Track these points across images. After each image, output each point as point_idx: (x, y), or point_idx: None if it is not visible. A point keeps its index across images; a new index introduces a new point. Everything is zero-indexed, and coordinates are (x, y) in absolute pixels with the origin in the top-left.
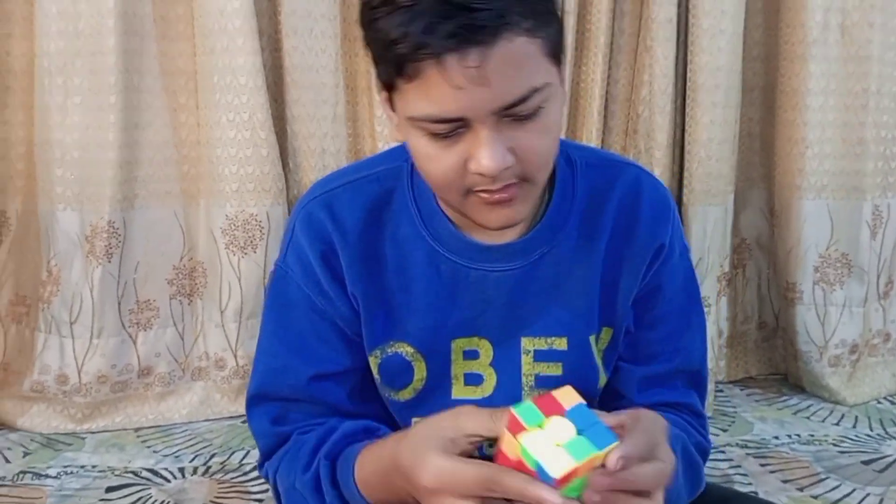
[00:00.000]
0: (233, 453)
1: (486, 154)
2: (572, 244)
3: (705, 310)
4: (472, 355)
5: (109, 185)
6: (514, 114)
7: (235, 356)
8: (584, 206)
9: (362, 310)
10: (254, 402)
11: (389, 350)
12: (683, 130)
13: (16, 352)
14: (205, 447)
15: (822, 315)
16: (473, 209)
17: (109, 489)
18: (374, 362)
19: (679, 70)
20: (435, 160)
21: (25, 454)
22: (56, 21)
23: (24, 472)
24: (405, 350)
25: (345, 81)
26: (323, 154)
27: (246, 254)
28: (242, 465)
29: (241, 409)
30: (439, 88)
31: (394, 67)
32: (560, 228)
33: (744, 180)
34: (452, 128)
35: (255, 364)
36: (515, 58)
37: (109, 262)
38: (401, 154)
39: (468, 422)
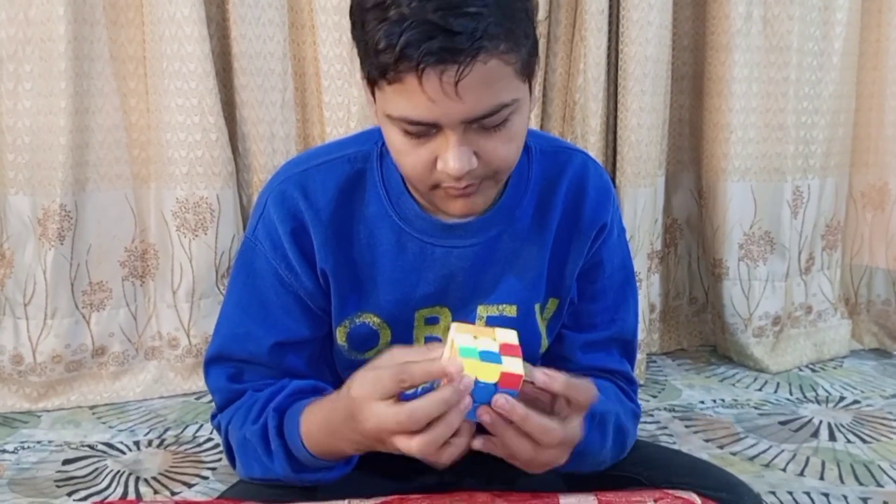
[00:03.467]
0: (186, 427)
1: (452, 157)
2: (527, 223)
3: (637, 285)
4: (432, 321)
5: (61, 169)
6: (481, 124)
7: (188, 335)
8: (537, 188)
9: (332, 284)
10: (213, 361)
11: (357, 321)
12: (616, 117)
13: None
14: (159, 422)
15: (747, 289)
16: (438, 199)
17: (66, 462)
18: (341, 332)
19: (612, 59)
20: (407, 154)
21: None
22: (6, 8)
23: None
24: (372, 320)
25: (293, 68)
26: (272, 139)
27: (197, 236)
28: (196, 437)
29: (195, 387)
30: (417, 97)
31: (377, 71)
32: (516, 208)
33: (674, 164)
34: (425, 130)
35: (217, 327)
36: (487, 77)
37: (62, 244)
38: (370, 137)
39: (397, 352)
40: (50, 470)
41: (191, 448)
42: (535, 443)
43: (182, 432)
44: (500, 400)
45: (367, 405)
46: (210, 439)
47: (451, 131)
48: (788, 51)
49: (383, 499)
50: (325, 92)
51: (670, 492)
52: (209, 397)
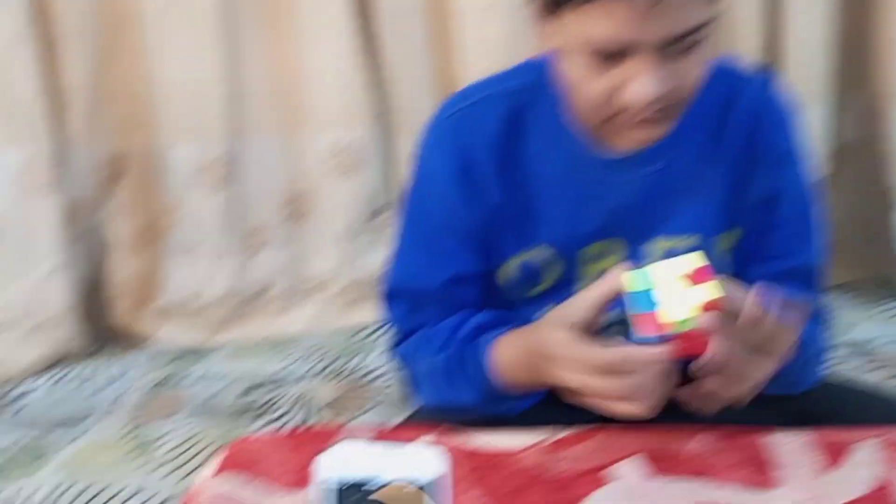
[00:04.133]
0: (351, 358)
1: (645, 82)
2: (702, 148)
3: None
4: (604, 255)
5: (218, 119)
6: (676, 47)
7: (344, 273)
8: (714, 111)
9: (499, 220)
10: (389, 296)
11: (525, 256)
12: (777, 35)
13: (148, 275)
14: (325, 354)
15: None
16: (616, 128)
17: (245, 391)
18: (508, 268)
19: None
20: (590, 82)
21: (166, 364)
22: None
23: (168, 378)
24: (541, 255)
25: (433, 6)
26: (416, 79)
27: (348, 177)
28: (361, 368)
29: (354, 322)
30: (616, 15)
31: None
32: (691, 133)
33: (843, 82)
34: (615, 54)
35: (391, 263)
36: None
37: (225, 189)
38: (532, 69)
39: (589, 291)
40: (231, 398)
41: (359, 379)
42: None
43: (348, 364)
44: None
45: (567, 363)
46: (374, 370)
47: (644, 54)
48: None
49: (584, 427)
50: (467, 28)
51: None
52: (369, 332)
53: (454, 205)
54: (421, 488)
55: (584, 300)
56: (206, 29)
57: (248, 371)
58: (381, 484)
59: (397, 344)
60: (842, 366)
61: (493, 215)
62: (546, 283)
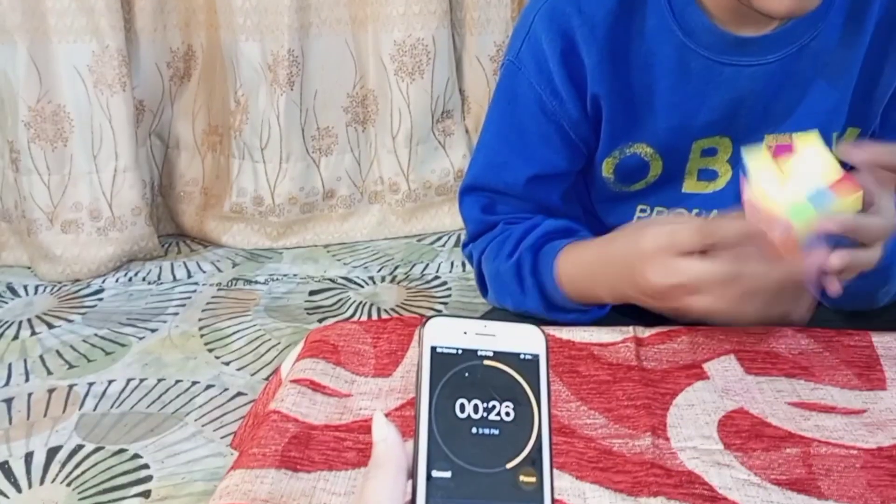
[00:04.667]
0: (413, 266)
1: None
2: (835, 35)
3: None
4: (710, 153)
5: (286, 14)
6: None
7: (408, 181)
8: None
9: (604, 110)
10: (467, 191)
11: (628, 151)
12: None
13: (214, 177)
14: (388, 260)
15: None
16: None
17: (312, 293)
18: (609, 163)
19: None
20: None
21: (234, 265)
22: None
23: (237, 279)
24: (644, 151)
25: None
26: None
27: (414, 80)
28: (424, 275)
29: (416, 230)
30: None
31: None
32: (822, 17)
33: None
34: None
35: (474, 156)
36: None
37: (292, 90)
38: None
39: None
40: (299, 300)
41: (421, 285)
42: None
43: (411, 270)
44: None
45: (660, 259)
46: (438, 277)
47: None
48: None
49: (669, 327)
50: None
51: None
52: (430, 240)
53: (550, 93)
54: (540, 355)
55: (693, 222)
56: None
57: (314, 274)
58: (493, 352)
59: (470, 241)
60: None
61: (593, 107)
62: (650, 179)
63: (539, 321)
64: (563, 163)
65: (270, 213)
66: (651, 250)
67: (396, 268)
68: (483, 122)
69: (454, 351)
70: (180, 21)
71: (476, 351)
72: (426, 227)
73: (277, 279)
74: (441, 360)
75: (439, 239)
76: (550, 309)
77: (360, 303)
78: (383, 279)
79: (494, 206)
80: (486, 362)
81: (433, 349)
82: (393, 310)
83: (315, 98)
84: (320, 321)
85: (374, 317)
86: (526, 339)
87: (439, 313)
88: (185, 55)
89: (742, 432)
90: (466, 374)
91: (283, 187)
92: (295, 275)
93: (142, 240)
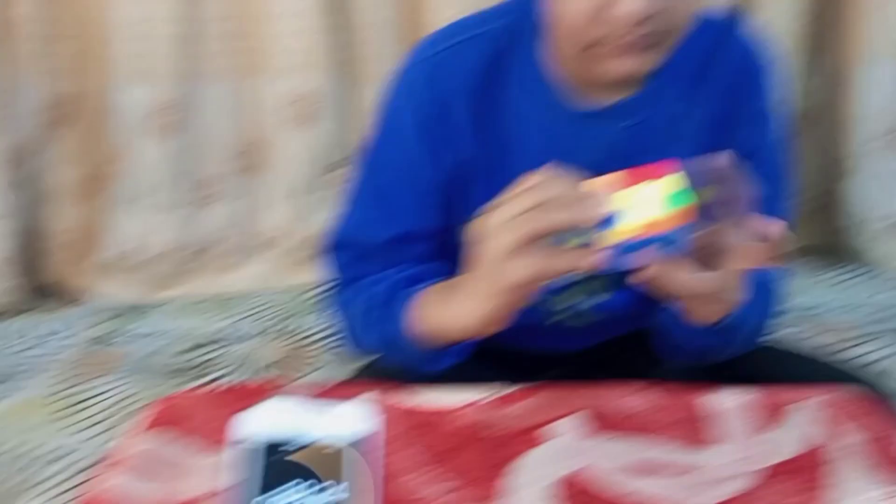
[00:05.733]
0: (296, 319)
1: None
2: (681, 103)
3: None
4: None
5: (171, 61)
6: None
7: (296, 230)
8: (695, 65)
9: (473, 171)
10: (333, 248)
11: None
12: None
13: (90, 226)
14: (271, 313)
15: (874, 186)
16: (600, 58)
17: (184, 351)
18: (479, 220)
19: None
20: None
21: (105, 320)
22: None
23: (105, 336)
24: None
25: None
26: (382, 25)
27: (305, 128)
28: (306, 329)
29: (304, 280)
30: None
31: None
32: (670, 87)
33: (804, 47)
34: None
35: (342, 212)
36: None
37: (175, 138)
38: (511, 10)
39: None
40: (171, 357)
41: (302, 339)
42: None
43: (293, 323)
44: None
45: (499, 258)
46: (322, 331)
47: None
48: None
49: (527, 385)
50: None
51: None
52: (319, 291)
53: (419, 157)
54: (344, 448)
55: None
56: None
57: (190, 329)
58: (302, 444)
59: (336, 293)
60: (788, 331)
61: (464, 167)
62: None
63: (410, 373)
64: (429, 222)
65: (149, 264)
66: (482, 230)
67: (280, 321)
68: (353, 180)
69: (263, 446)
70: (61, 65)
71: (282, 445)
72: (314, 278)
73: (150, 336)
74: (247, 458)
75: (326, 290)
76: (416, 353)
77: (236, 360)
78: (262, 334)
79: (362, 261)
80: (293, 457)
81: (243, 443)
82: (272, 365)
83: (200, 146)
84: (191, 381)
85: (251, 375)
86: (354, 420)
87: (272, 396)
88: (64, 100)
89: (576, 496)
90: (280, 467)
91: (164, 237)
92: (169, 331)
93: (8, 293)
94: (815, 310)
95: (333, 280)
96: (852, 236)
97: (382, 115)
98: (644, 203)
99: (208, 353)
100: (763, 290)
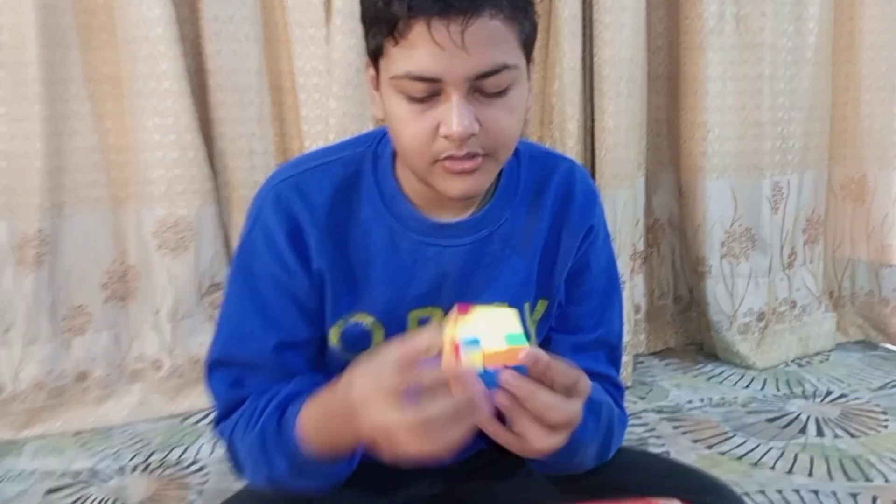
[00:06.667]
0: (172, 450)
1: (456, 116)
2: (517, 225)
3: (622, 290)
4: (425, 321)
5: (38, 194)
6: (484, 87)
7: (171, 356)
8: (527, 190)
9: (327, 284)
10: (214, 366)
11: (351, 320)
12: (593, 120)
13: None
14: (144, 446)
15: (731, 286)
16: (438, 178)
17: (49, 491)
18: (335, 332)
19: (587, 63)
20: (410, 123)
21: None
22: None
23: None
24: (366, 320)
25: (269, 83)
26: (251, 154)
27: (178, 255)
28: (181, 460)
29: (180, 409)
30: (424, 48)
31: (386, 27)
32: (506, 209)
33: (654, 163)
34: (429, 90)
35: (217, 331)
36: (493, 34)
37: (40, 269)
38: (365, 140)
39: (399, 346)
40: (33, 501)
41: (177, 472)
42: (544, 424)
43: (167, 456)
44: (508, 376)
45: (372, 404)
46: (196, 462)
47: (454, 90)
48: (762, 47)
49: None
50: (303, 105)
51: (654, 500)
52: (194, 419)
53: (282, 269)
54: None
55: (392, 355)
56: (29, 100)
57: (54, 469)
58: None
59: (222, 419)
60: (654, 430)
61: (319, 280)
62: (374, 347)
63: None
64: (303, 331)
65: (12, 400)
66: (359, 397)
67: (152, 454)
68: (223, 300)
69: None
70: None
71: None
72: (192, 405)
73: (11, 478)
74: None
75: (206, 417)
76: (300, 474)
77: (104, 500)
78: (134, 469)
79: (243, 380)
80: None
81: None
82: (144, 503)
83: (68, 276)
84: None
85: None
86: None
87: None
88: None
89: None
90: None
91: (29, 372)
92: (34, 470)
93: None
94: (681, 408)
95: (216, 407)
96: (714, 335)
97: (247, 230)
98: (485, 335)
99: (80, 489)
100: (599, 408)
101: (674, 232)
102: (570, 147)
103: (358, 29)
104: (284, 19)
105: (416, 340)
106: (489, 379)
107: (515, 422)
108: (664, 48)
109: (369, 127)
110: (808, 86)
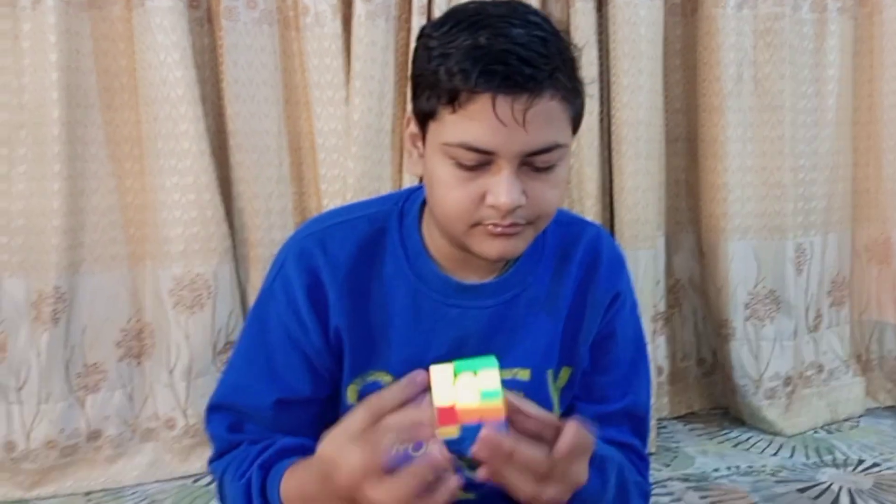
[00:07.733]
0: None
1: (504, 190)
2: (542, 290)
3: (649, 360)
4: None
5: (55, 252)
6: (534, 162)
7: (185, 416)
8: (553, 256)
9: (345, 341)
10: (214, 409)
11: (369, 379)
12: (612, 181)
13: None
14: None
15: (756, 349)
16: (476, 239)
17: None
18: (353, 390)
19: (604, 124)
20: (455, 188)
21: None
22: (1, 94)
23: None
24: (383, 379)
25: (288, 143)
26: (269, 213)
27: (193, 313)
28: None
29: (193, 469)
30: (485, 121)
31: (446, 96)
32: (531, 274)
33: (674, 224)
34: (480, 160)
35: (223, 375)
36: (551, 114)
37: (56, 326)
38: (392, 198)
39: (370, 403)
40: None
41: None
42: (535, 476)
43: None
44: (485, 433)
45: (339, 453)
46: None
47: (506, 163)
48: (781, 109)
49: None
50: (321, 165)
51: None
52: (205, 480)
53: (297, 324)
54: None
55: (360, 407)
56: (50, 159)
57: None
58: None
59: (216, 458)
60: (681, 500)
61: (336, 338)
62: None
63: None
64: (306, 389)
65: (24, 459)
66: (328, 448)
67: None
68: (235, 344)
69: None
70: None
71: None
72: (204, 466)
73: None
74: None
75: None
76: None
77: None
78: None
79: (241, 425)
80: None
81: None
82: None
83: (83, 334)
84: None
85: None
86: None
87: None
88: None
89: None
90: None
91: (41, 430)
92: None
93: None
94: (707, 476)
95: (212, 446)
96: (740, 400)
97: (268, 282)
98: (462, 392)
99: None
100: (603, 463)
101: (695, 293)
102: (588, 207)
103: (376, 91)
104: (304, 81)
105: (386, 393)
106: (471, 433)
107: (503, 475)
108: (682, 110)
109: (387, 186)
110: (829, 147)
